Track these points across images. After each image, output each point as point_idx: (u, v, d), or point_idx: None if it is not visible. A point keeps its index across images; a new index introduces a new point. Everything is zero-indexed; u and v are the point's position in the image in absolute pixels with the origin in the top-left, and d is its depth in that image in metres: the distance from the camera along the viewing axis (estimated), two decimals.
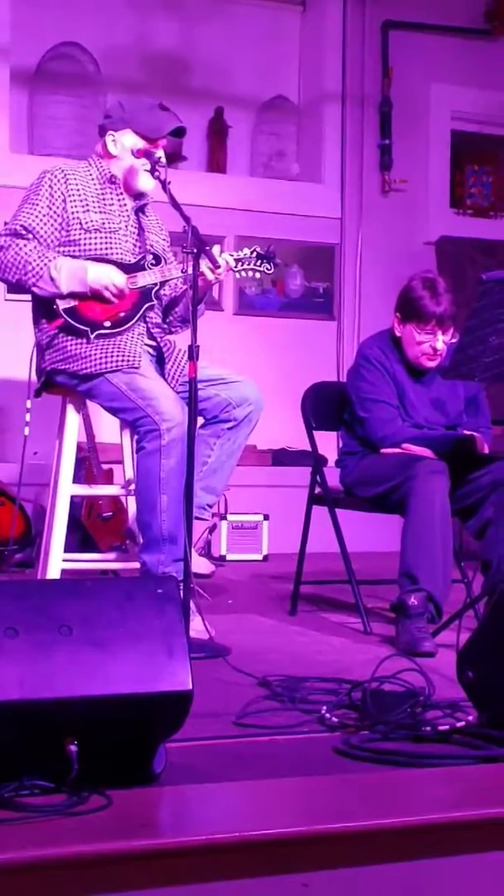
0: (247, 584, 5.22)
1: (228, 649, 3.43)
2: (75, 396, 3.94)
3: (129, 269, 3.82)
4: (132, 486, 3.87)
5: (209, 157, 6.89)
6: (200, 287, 3.57)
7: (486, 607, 3.09)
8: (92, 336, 3.74)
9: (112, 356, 3.72)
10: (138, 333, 3.82)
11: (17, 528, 5.16)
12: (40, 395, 3.94)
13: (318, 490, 4.30)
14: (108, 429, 4.69)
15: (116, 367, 3.70)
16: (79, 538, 5.22)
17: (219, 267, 3.72)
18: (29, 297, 3.88)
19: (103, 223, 3.84)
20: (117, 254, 3.83)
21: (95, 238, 3.82)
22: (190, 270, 3.49)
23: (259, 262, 3.89)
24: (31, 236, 3.76)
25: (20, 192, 3.92)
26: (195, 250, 3.44)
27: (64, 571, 3.91)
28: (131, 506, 4.01)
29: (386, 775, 2.33)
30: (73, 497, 4.07)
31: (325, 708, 2.75)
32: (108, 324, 3.77)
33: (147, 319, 3.86)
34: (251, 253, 3.89)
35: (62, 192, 3.81)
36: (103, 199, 3.87)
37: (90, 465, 5.05)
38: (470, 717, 2.62)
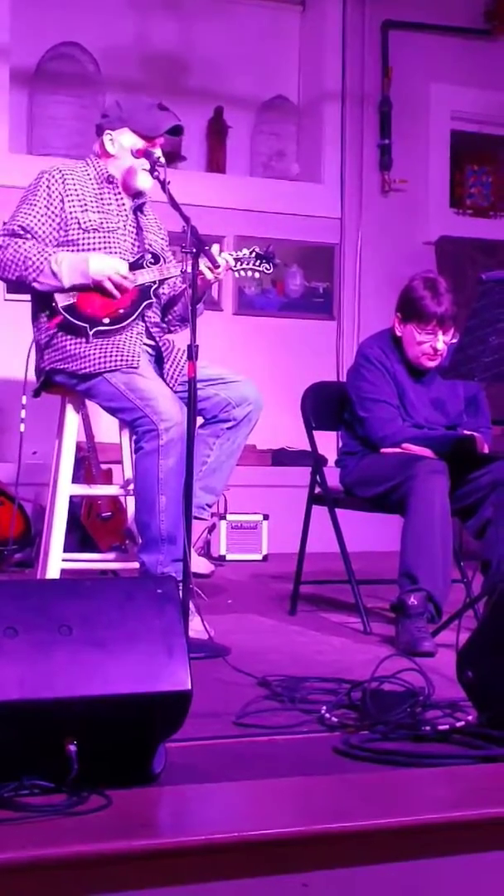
0: (246, 584, 5.22)
1: (228, 649, 3.43)
2: (74, 396, 3.94)
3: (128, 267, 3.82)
4: (131, 486, 3.87)
5: (209, 157, 6.89)
6: (199, 286, 3.57)
7: (486, 607, 3.09)
8: (91, 333, 3.74)
9: (111, 356, 3.71)
10: (137, 333, 3.82)
11: (17, 527, 5.16)
12: (39, 395, 3.94)
13: (317, 490, 4.30)
14: (107, 429, 4.69)
15: (115, 366, 3.70)
16: (78, 538, 5.21)
17: (218, 267, 3.72)
18: (28, 296, 3.88)
19: (101, 223, 3.84)
20: (116, 253, 3.83)
21: (94, 237, 3.82)
22: (189, 270, 3.49)
23: (258, 261, 3.89)
24: (29, 236, 3.76)
25: (19, 192, 3.92)
26: (194, 250, 3.43)
27: (63, 571, 3.91)
28: (130, 506, 4.01)
29: (385, 775, 2.33)
30: (72, 497, 4.07)
31: (324, 708, 2.75)
32: (106, 320, 3.77)
33: (146, 319, 3.86)
34: (250, 253, 3.89)
35: (60, 192, 3.81)
36: (101, 199, 3.87)
37: (89, 464, 5.05)
38: (469, 717, 2.61)
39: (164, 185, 3.64)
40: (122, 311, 3.79)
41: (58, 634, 2.08)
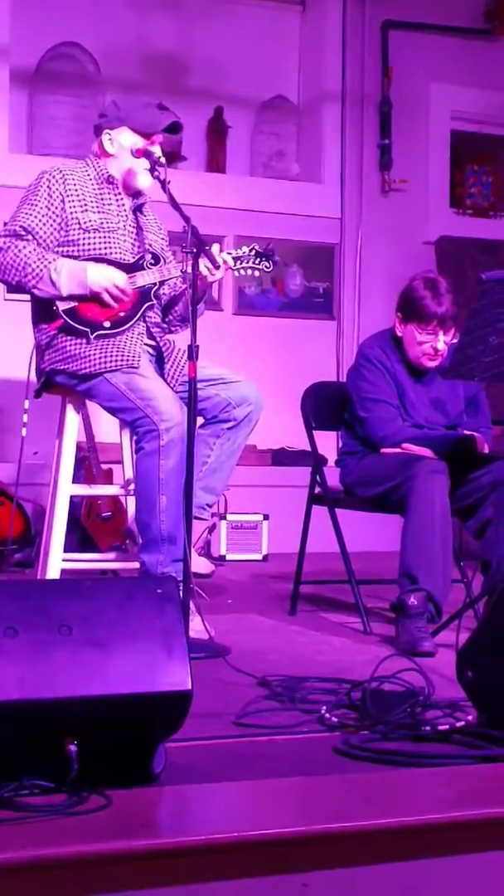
0: (246, 584, 5.22)
1: (228, 649, 3.43)
2: (75, 396, 3.94)
3: (128, 268, 3.82)
4: (131, 486, 3.87)
5: (209, 157, 6.89)
6: (199, 286, 3.57)
7: (486, 607, 3.09)
8: (92, 336, 3.74)
9: (111, 356, 3.72)
10: (138, 333, 3.82)
11: (17, 527, 5.16)
12: (40, 396, 3.94)
13: (317, 490, 4.30)
14: (107, 429, 4.68)
15: (116, 366, 3.70)
16: (78, 538, 5.22)
17: (218, 267, 3.72)
18: (28, 297, 3.88)
19: (102, 223, 3.84)
20: (116, 253, 3.83)
21: (94, 238, 3.82)
22: (189, 270, 3.48)
23: (258, 260, 3.89)
24: (30, 237, 3.76)
25: (20, 192, 3.92)
26: (195, 250, 3.43)
27: (63, 571, 3.91)
28: (131, 506, 4.02)
29: (385, 775, 2.33)
30: (72, 497, 4.07)
31: (324, 708, 2.75)
32: (107, 324, 3.77)
33: (146, 319, 3.86)
34: (250, 251, 3.89)
35: (60, 193, 3.81)
36: (101, 199, 3.87)
37: (90, 465, 5.06)
38: (469, 717, 2.61)
39: (164, 184, 3.64)
40: (123, 314, 3.79)
41: (58, 634, 2.08)
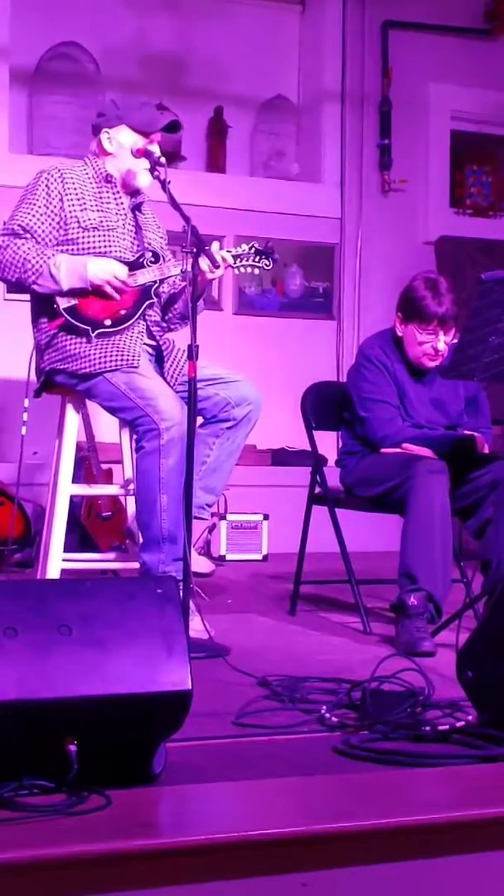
0: (246, 583, 5.22)
1: (228, 649, 3.43)
2: (75, 396, 3.93)
3: (128, 266, 3.82)
4: (131, 486, 3.87)
5: (209, 157, 6.89)
6: (199, 283, 3.57)
7: (486, 607, 3.10)
8: (93, 335, 3.74)
9: (111, 355, 3.72)
10: (138, 332, 3.82)
11: (17, 527, 5.16)
12: (40, 396, 3.94)
13: (317, 490, 4.30)
14: (107, 428, 4.68)
15: (115, 366, 3.70)
16: (78, 538, 5.22)
17: (218, 266, 3.72)
18: (28, 296, 3.88)
19: (101, 221, 3.84)
20: (116, 251, 3.83)
21: (93, 236, 3.82)
22: (189, 269, 3.48)
23: (258, 257, 3.89)
24: (29, 236, 3.76)
25: (19, 192, 3.92)
26: (194, 250, 3.43)
27: (63, 571, 3.91)
28: (130, 505, 4.01)
29: (385, 775, 2.33)
30: (72, 497, 4.07)
31: (324, 708, 2.75)
32: (108, 322, 3.77)
33: (146, 318, 3.86)
34: (249, 249, 3.88)
35: (59, 192, 3.81)
36: (100, 198, 3.87)
37: (90, 464, 5.05)
38: (469, 717, 2.61)
39: (164, 184, 3.64)
40: (123, 312, 3.79)
41: (58, 634, 2.08)
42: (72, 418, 3.99)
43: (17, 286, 3.81)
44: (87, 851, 1.84)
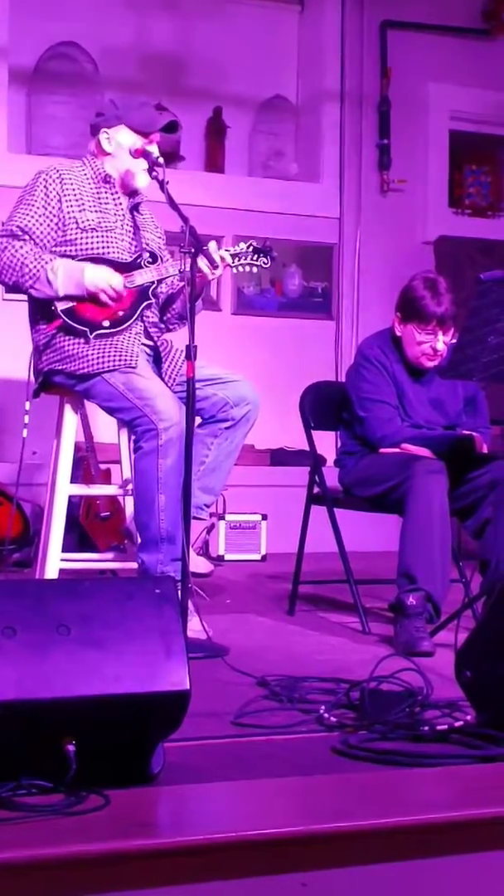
0: (245, 583, 5.22)
1: (226, 649, 3.43)
2: (73, 396, 3.93)
3: (125, 267, 3.82)
4: (130, 486, 3.87)
5: (207, 157, 6.89)
6: (198, 283, 3.56)
7: (485, 607, 3.10)
8: (91, 336, 3.74)
9: (109, 356, 3.71)
10: (136, 333, 3.82)
11: (16, 527, 5.16)
12: (38, 396, 3.93)
13: (316, 490, 4.30)
14: (106, 429, 4.68)
15: (114, 366, 3.70)
16: (77, 538, 5.21)
17: (217, 267, 3.72)
18: (26, 297, 3.88)
19: (99, 222, 3.84)
20: (114, 252, 3.83)
21: (92, 237, 3.82)
22: (187, 269, 3.48)
23: (256, 256, 3.89)
24: (27, 237, 3.76)
25: (18, 192, 3.92)
26: (192, 250, 3.43)
27: (62, 571, 3.91)
28: (129, 505, 4.01)
29: (384, 775, 2.33)
30: (71, 497, 4.07)
31: (323, 708, 2.75)
32: (106, 323, 3.77)
33: (144, 318, 3.86)
34: (248, 247, 3.88)
35: (57, 192, 3.81)
36: (99, 198, 3.86)
37: (88, 464, 5.05)
38: (468, 717, 2.61)
39: (162, 185, 3.64)
40: (121, 313, 3.79)
41: (56, 634, 2.07)
42: (70, 419, 3.98)
43: (14, 289, 3.81)
44: (85, 851, 1.83)
